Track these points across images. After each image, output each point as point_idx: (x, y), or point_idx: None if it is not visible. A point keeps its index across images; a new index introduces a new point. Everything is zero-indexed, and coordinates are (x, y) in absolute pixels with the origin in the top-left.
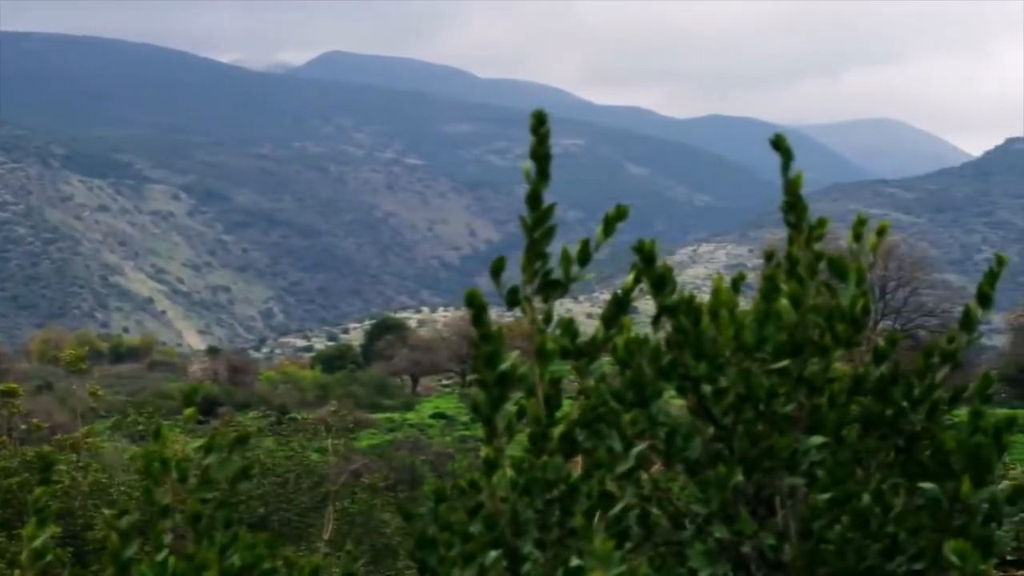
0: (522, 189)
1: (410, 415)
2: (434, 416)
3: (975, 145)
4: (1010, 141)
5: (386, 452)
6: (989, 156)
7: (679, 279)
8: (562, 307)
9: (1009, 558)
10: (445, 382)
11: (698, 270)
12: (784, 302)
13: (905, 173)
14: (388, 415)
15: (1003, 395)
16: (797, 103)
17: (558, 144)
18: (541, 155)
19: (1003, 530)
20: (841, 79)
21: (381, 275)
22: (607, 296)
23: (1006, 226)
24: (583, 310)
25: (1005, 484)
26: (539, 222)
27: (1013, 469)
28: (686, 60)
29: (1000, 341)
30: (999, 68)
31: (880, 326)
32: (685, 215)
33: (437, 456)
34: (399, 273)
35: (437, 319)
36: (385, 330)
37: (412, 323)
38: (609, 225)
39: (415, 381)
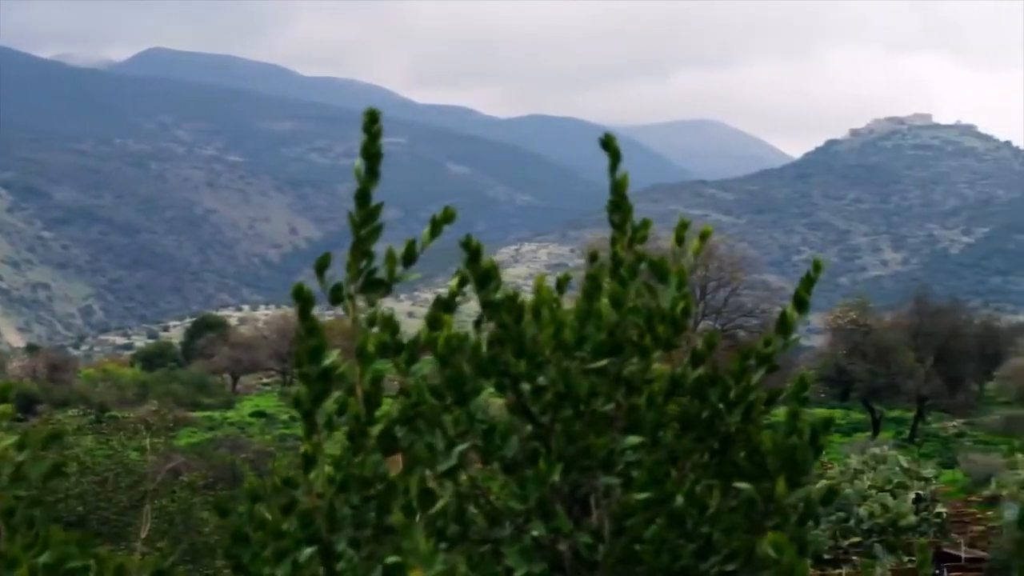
0: (344, 188)
1: (230, 413)
2: (254, 414)
3: (797, 147)
4: (830, 143)
5: (206, 451)
6: (809, 158)
7: (502, 279)
8: (382, 305)
9: (827, 557)
10: (265, 380)
11: (520, 270)
12: (605, 302)
13: (726, 174)
14: (208, 413)
15: (821, 395)
16: (623, 104)
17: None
18: (372, 153)
19: (820, 530)
20: (670, 81)
21: (202, 273)
22: (427, 295)
23: (825, 227)
24: (404, 309)
25: (822, 484)
26: (367, 220)
27: (831, 468)
28: (515, 60)
29: (818, 341)
30: (825, 72)
31: (700, 326)
32: (506, 215)
33: (257, 455)
34: (220, 271)
35: (258, 317)
36: (205, 328)
37: (233, 321)
38: (436, 226)
39: (235, 379)
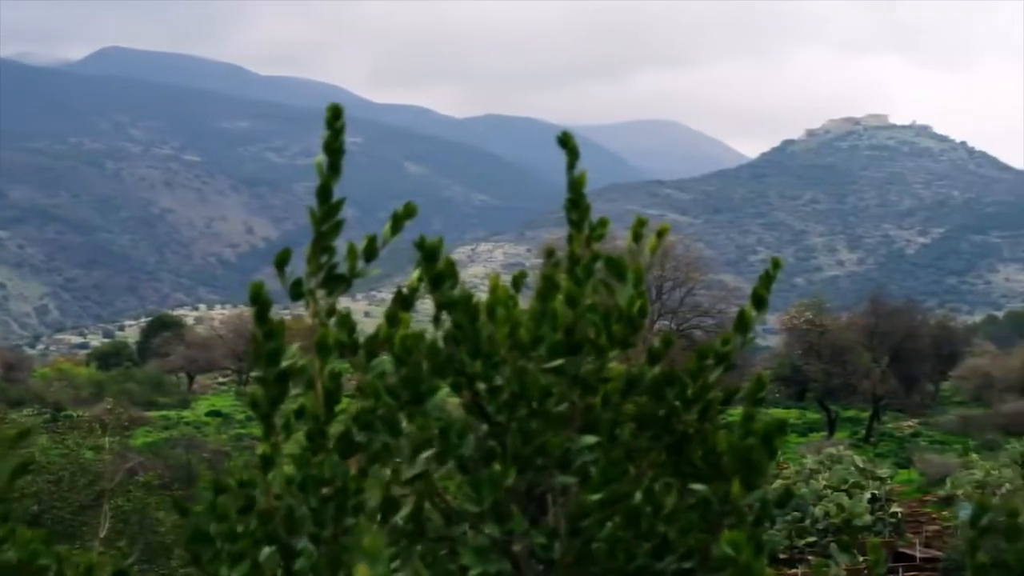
0: (300, 187)
1: (186, 413)
2: (210, 414)
3: (753, 147)
4: (786, 143)
5: (162, 450)
6: (765, 158)
7: (458, 278)
8: (339, 304)
9: (782, 556)
10: (221, 380)
11: (476, 269)
12: (561, 301)
13: (683, 175)
14: (164, 413)
15: (777, 395)
16: (581, 104)
17: None
18: (334, 149)
19: (775, 529)
20: (630, 81)
21: (158, 272)
22: (385, 295)
23: (781, 227)
24: (361, 308)
25: (778, 484)
26: (328, 216)
27: (786, 468)
28: (474, 61)
29: (774, 342)
30: (784, 73)
31: (657, 326)
32: (463, 214)
33: (213, 454)
34: (176, 270)
35: (214, 316)
36: (161, 327)
37: (189, 320)
38: (397, 222)
39: (191, 379)
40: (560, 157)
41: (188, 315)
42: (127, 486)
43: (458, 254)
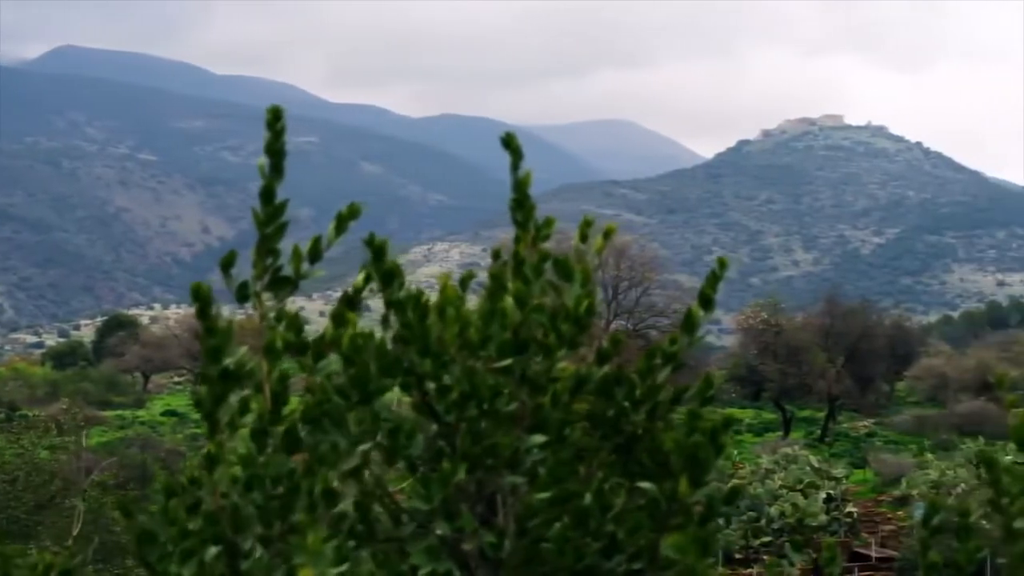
0: (256, 186)
1: (141, 413)
2: (165, 413)
3: (710, 148)
4: (741, 143)
5: (117, 450)
6: (721, 158)
7: (413, 278)
8: (295, 304)
9: (737, 556)
10: (177, 379)
11: (432, 269)
12: (509, 301)
13: (638, 175)
14: (119, 412)
15: (733, 395)
16: (538, 104)
17: (292, 142)
18: (276, 150)
19: (731, 529)
20: (589, 81)
21: (113, 272)
22: (339, 295)
23: (737, 227)
24: (316, 307)
25: (734, 482)
26: (272, 217)
27: (742, 468)
28: (432, 61)
29: (730, 342)
30: (743, 73)
31: (612, 326)
32: (419, 214)
33: (168, 454)
34: (131, 270)
35: (169, 316)
36: (117, 327)
37: (144, 320)
38: (341, 223)
39: (146, 378)
40: (522, 157)
41: (143, 315)
42: (82, 486)
43: (414, 254)
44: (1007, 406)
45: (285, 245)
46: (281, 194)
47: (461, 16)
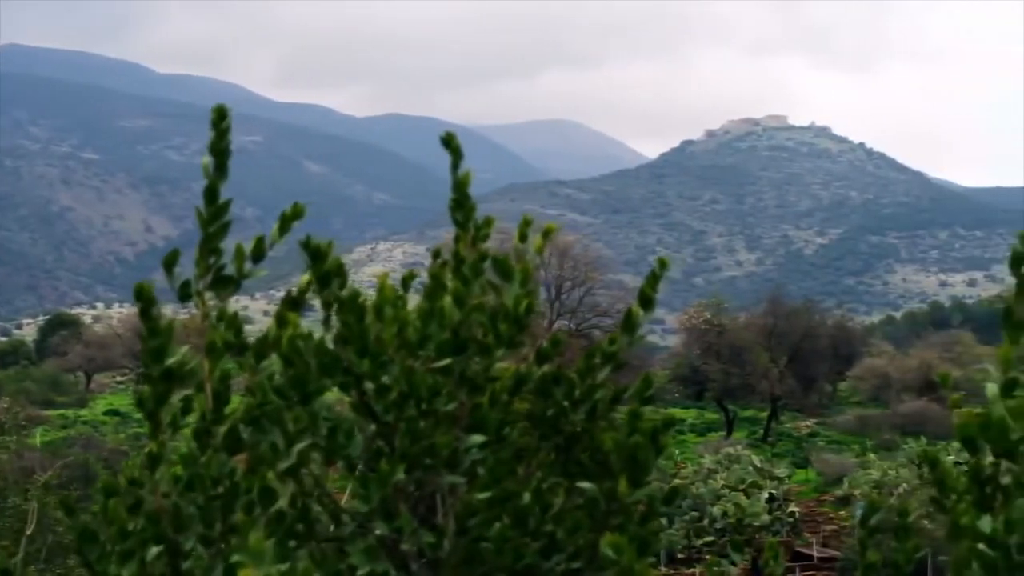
0: (200, 185)
1: (84, 412)
2: (108, 413)
3: (656, 148)
4: (685, 143)
5: (59, 449)
6: (665, 158)
7: (356, 277)
8: (238, 304)
9: (680, 556)
10: (119, 379)
11: (376, 268)
12: (448, 300)
13: (583, 175)
14: (61, 412)
15: (676, 395)
16: (485, 104)
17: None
18: (220, 150)
19: (674, 529)
20: (536, 82)
21: (56, 271)
22: (284, 295)
23: (680, 227)
24: (260, 307)
25: (676, 482)
26: (215, 217)
27: (684, 468)
28: (380, 61)
29: (673, 342)
30: (690, 74)
31: (556, 326)
32: (363, 214)
33: (111, 453)
34: (74, 269)
35: (112, 315)
36: (59, 326)
37: (87, 319)
38: (285, 223)
39: (89, 378)
40: (462, 157)
41: (86, 314)
42: (24, 485)
43: (358, 253)
44: (950, 406)
45: (229, 244)
46: (225, 193)
47: (411, 16)
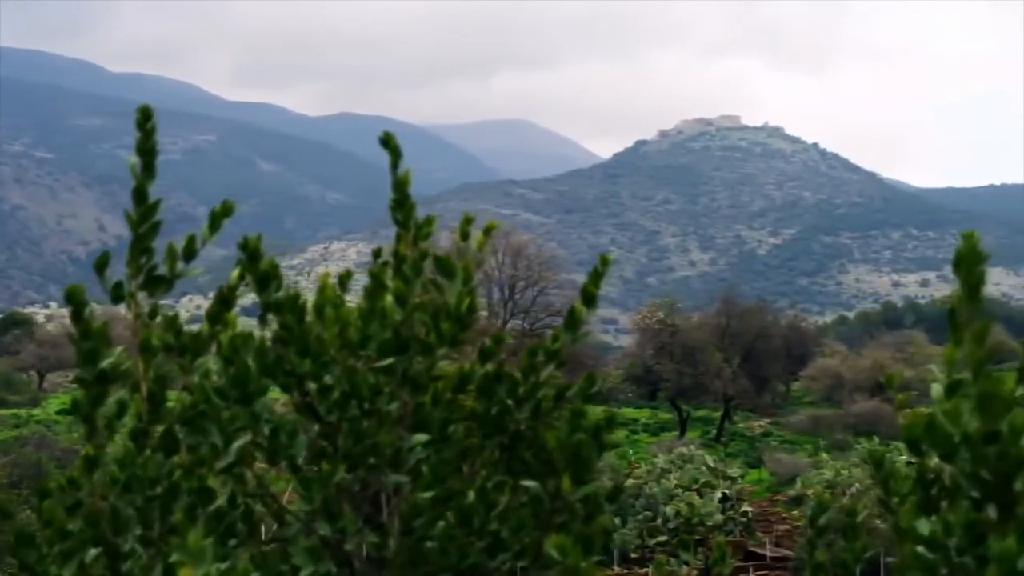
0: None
1: (36, 411)
2: (61, 412)
3: (609, 148)
4: (639, 144)
5: (12, 448)
6: (618, 158)
7: (310, 277)
8: (192, 304)
9: (633, 555)
10: (72, 378)
11: (329, 268)
12: (389, 300)
13: (536, 174)
14: (14, 411)
15: (629, 394)
16: (440, 104)
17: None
18: (147, 150)
19: (627, 529)
20: (491, 82)
21: (8, 270)
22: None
23: (634, 227)
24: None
25: (630, 483)
26: (144, 217)
27: (638, 467)
28: (342, 60)
29: (627, 341)
30: (646, 74)
31: (509, 326)
32: (317, 213)
33: (64, 453)
34: (27, 268)
35: (65, 315)
36: (12, 325)
37: (40, 319)
38: (215, 221)
39: (41, 377)
40: (415, 156)
41: (39, 313)
42: None
43: (311, 253)
44: (896, 407)
45: (181, 243)
46: (179, 192)
47: (367, 16)
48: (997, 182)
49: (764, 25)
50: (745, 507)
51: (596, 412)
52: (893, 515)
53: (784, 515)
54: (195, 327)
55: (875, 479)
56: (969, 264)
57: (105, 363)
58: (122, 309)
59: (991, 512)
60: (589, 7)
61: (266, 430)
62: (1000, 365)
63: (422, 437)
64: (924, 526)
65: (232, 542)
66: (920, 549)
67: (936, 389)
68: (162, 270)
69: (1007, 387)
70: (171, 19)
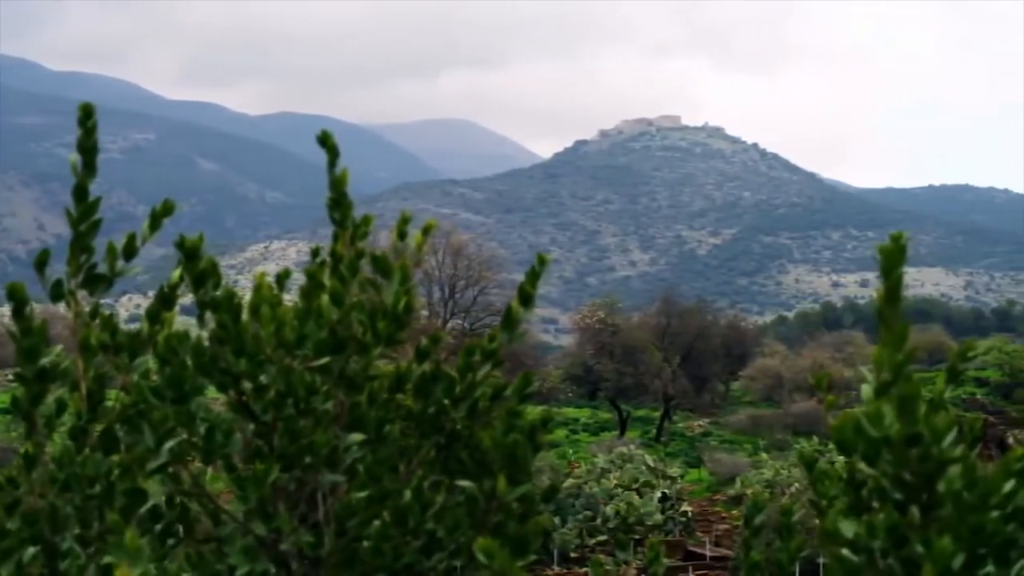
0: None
1: None
2: (1, 411)
3: (550, 148)
4: (579, 143)
5: None
6: (558, 158)
7: (249, 276)
8: (131, 303)
9: (573, 555)
10: (11, 377)
11: (269, 267)
12: (325, 299)
13: (476, 174)
14: None
15: (569, 394)
16: (382, 103)
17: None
18: (87, 148)
19: (567, 528)
20: (436, 82)
21: None
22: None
23: (574, 227)
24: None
25: (569, 483)
26: (85, 215)
27: (577, 467)
28: (286, 59)
29: (567, 341)
30: (591, 74)
31: (450, 325)
32: (257, 212)
33: (2, 451)
34: None
35: (4, 313)
36: None
37: None
38: (156, 219)
39: None
40: (355, 156)
41: None
42: None
43: (251, 252)
44: (826, 407)
45: (121, 241)
46: (118, 191)
47: (313, 15)
48: (937, 183)
49: (712, 26)
50: (685, 507)
51: (533, 412)
52: (822, 517)
53: (724, 515)
54: (134, 326)
55: (807, 480)
56: (891, 264)
57: (45, 361)
58: (62, 308)
59: (915, 514)
60: (536, 7)
61: (202, 429)
62: (938, 365)
63: (358, 436)
64: (848, 528)
65: (170, 541)
66: (844, 552)
67: (866, 390)
68: (102, 269)
69: (937, 388)
70: (115, 18)
